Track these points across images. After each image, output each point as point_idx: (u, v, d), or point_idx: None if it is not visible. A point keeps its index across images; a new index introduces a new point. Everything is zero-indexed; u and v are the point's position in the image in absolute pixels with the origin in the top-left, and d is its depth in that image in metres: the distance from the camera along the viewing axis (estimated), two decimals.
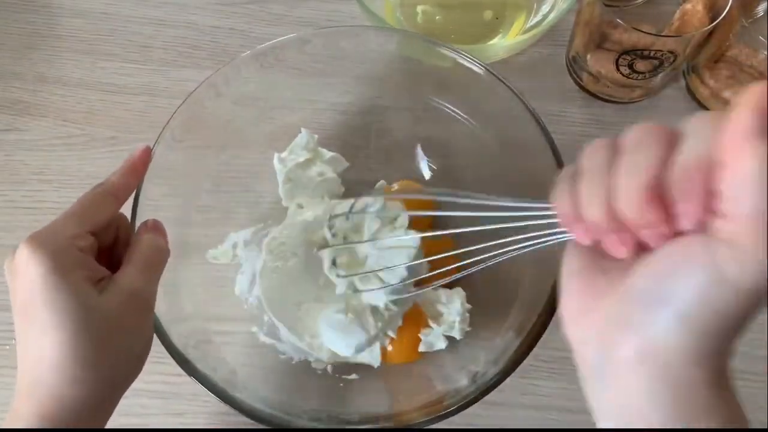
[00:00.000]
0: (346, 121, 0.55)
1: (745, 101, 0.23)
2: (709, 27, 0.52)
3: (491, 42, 0.61)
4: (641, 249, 0.26)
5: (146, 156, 0.40)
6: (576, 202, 0.27)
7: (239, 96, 0.50)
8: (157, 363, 0.49)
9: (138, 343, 0.36)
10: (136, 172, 0.40)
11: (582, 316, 0.28)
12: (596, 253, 0.28)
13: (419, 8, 0.64)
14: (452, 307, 0.48)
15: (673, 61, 0.54)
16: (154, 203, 0.42)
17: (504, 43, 0.59)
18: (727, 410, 0.26)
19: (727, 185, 0.23)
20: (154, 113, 0.60)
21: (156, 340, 0.39)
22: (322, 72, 0.52)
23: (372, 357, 0.47)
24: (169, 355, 0.39)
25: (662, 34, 0.54)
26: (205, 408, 0.49)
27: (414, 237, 0.45)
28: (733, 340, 0.26)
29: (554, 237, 0.29)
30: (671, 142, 0.25)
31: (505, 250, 0.33)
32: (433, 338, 0.48)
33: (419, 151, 0.55)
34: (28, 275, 0.32)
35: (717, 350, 0.25)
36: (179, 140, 0.45)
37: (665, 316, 0.25)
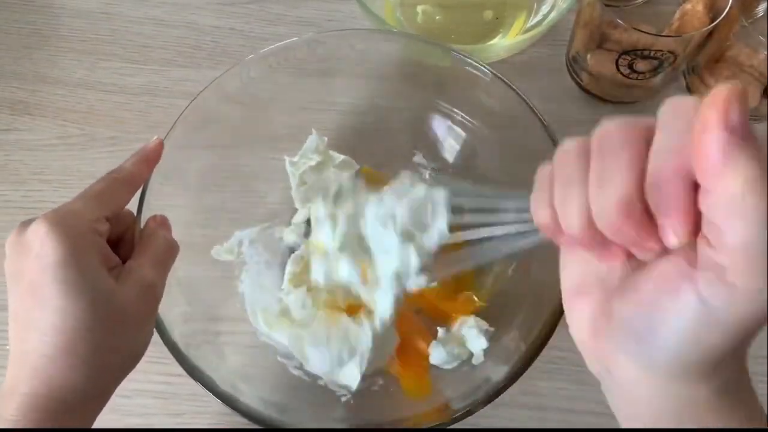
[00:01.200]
0: (350, 123, 0.55)
1: (715, 104, 0.19)
2: (709, 27, 0.52)
3: (491, 42, 0.61)
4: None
5: (159, 148, 0.39)
6: (554, 212, 0.24)
7: (245, 97, 0.50)
8: (158, 363, 0.49)
9: (143, 335, 0.36)
10: (150, 162, 0.39)
11: (587, 332, 0.26)
12: (591, 259, 0.26)
13: (419, 8, 0.64)
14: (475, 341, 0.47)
15: (673, 61, 0.54)
16: (159, 203, 0.42)
17: (504, 43, 0.59)
18: (739, 414, 0.24)
19: (710, 211, 0.20)
20: (154, 113, 0.60)
21: (158, 340, 0.39)
22: (327, 74, 0.52)
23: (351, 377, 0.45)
24: (169, 355, 0.39)
25: (662, 34, 0.54)
26: (206, 408, 0.49)
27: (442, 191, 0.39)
28: (734, 359, 0.24)
29: (535, 238, 0.28)
30: (644, 140, 0.22)
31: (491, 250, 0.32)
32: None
33: (420, 157, 0.55)
34: (45, 254, 0.31)
35: (714, 372, 0.24)
36: (185, 140, 0.45)
37: (656, 352, 0.23)
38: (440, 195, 0.37)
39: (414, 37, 0.57)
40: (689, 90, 0.61)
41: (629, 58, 0.55)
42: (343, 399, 0.46)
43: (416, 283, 0.40)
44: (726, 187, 0.19)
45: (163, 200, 0.43)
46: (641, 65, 0.55)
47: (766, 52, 0.53)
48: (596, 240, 0.23)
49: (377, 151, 0.55)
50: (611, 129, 0.23)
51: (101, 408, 0.35)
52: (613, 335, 0.25)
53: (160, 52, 0.63)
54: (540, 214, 0.25)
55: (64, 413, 0.32)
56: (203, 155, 0.49)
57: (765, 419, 0.25)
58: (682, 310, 0.22)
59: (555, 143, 0.44)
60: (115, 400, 0.48)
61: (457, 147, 0.53)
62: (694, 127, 0.20)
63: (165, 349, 0.39)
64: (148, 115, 0.60)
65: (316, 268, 0.46)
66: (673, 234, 0.21)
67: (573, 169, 0.23)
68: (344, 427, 0.47)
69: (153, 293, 0.35)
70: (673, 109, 0.21)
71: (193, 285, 0.46)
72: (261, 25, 0.65)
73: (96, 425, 0.48)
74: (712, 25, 0.52)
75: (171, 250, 0.38)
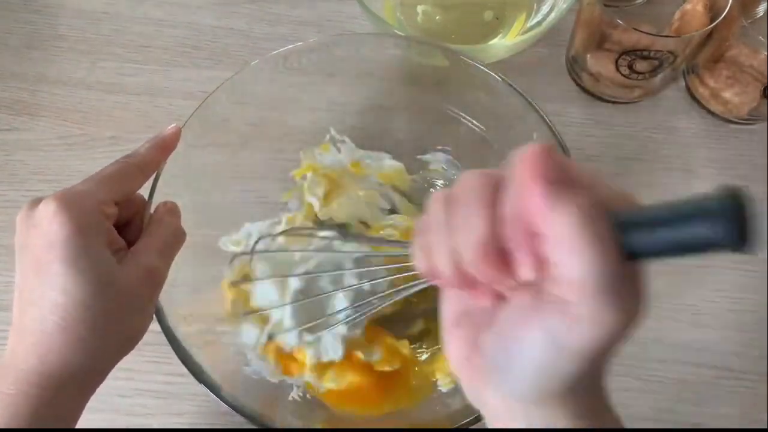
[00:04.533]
0: (356, 124, 0.55)
1: (526, 162, 0.22)
2: (709, 27, 0.52)
3: (491, 42, 0.61)
4: (503, 296, 0.26)
5: (176, 136, 0.39)
6: (429, 257, 0.26)
7: (252, 98, 0.50)
8: (158, 363, 0.50)
9: (141, 320, 0.36)
10: (165, 149, 0.39)
11: (462, 363, 0.28)
12: (467, 299, 0.28)
13: (419, 8, 0.64)
14: None
15: (673, 61, 0.54)
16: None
17: (504, 43, 0.59)
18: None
19: (548, 251, 0.22)
20: (154, 113, 0.60)
21: (159, 341, 0.39)
22: (333, 76, 0.52)
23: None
24: (169, 355, 0.39)
25: (662, 34, 0.54)
26: (206, 408, 0.49)
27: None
28: (588, 387, 0.26)
29: (423, 282, 0.30)
30: (492, 188, 0.24)
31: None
32: None
33: (429, 157, 0.55)
34: (51, 232, 0.31)
35: (568, 398, 0.25)
36: (195, 139, 0.45)
37: (514, 382, 0.25)
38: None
39: (420, 41, 0.56)
40: (689, 90, 0.61)
41: (629, 59, 0.55)
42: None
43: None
44: (554, 230, 0.22)
45: (169, 198, 0.43)
46: (641, 65, 0.55)
47: (765, 52, 0.53)
48: (466, 280, 0.25)
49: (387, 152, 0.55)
50: (470, 178, 0.25)
51: (96, 387, 0.35)
52: (481, 368, 0.26)
53: (160, 52, 0.63)
54: (418, 262, 0.27)
55: (59, 390, 0.32)
56: (210, 155, 0.49)
57: None
58: (533, 341, 0.24)
59: (560, 144, 0.44)
60: (115, 400, 0.49)
61: (465, 150, 0.53)
62: (518, 183, 0.23)
63: (165, 349, 0.39)
64: (148, 115, 0.60)
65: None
66: (524, 268, 0.23)
67: (438, 219, 0.26)
68: (342, 428, 0.47)
69: (155, 278, 0.36)
70: (516, 163, 0.23)
71: (196, 284, 0.46)
72: (261, 25, 0.65)
73: (96, 425, 0.48)
74: (712, 25, 0.52)
75: (178, 238, 0.38)
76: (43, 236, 0.32)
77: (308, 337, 0.44)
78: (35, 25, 0.64)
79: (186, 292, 0.43)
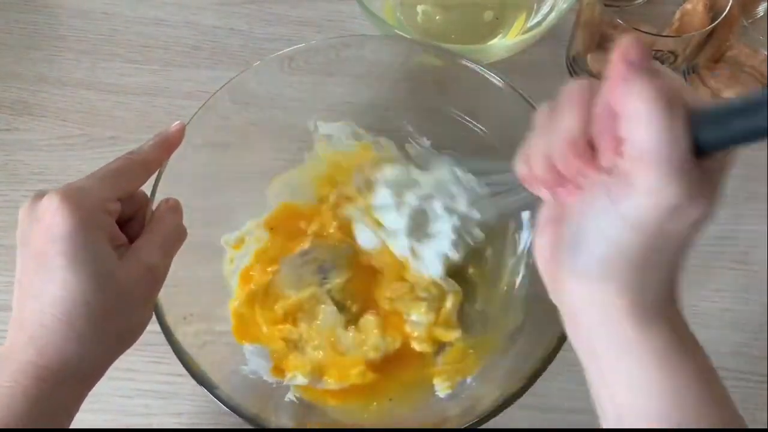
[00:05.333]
0: (360, 125, 0.55)
1: (617, 50, 0.25)
2: (709, 27, 0.52)
3: (491, 42, 0.61)
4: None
5: (180, 133, 0.39)
6: (528, 162, 0.30)
7: (255, 98, 0.50)
8: (158, 363, 0.50)
9: (140, 315, 0.36)
10: (169, 147, 0.39)
11: (546, 262, 0.31)
12: (560, 206, 0.31)
13: (419, 8, 0.64)
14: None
15: (674, 61, 0.54)
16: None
17: (504, 43, 0.59)
18: (652, 344, 0.28)
19: (621, 129, 0.25)
20: (154, 113, 0.60)
21: (159, 341, 0.39)
22: (333, 76, 0.52)
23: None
24: (169, 355, 0.39)
25: (663, 34, 0.54)
26: (206, 408, 0.49)
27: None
28: (655, 272, 0.27)
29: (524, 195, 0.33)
30: (590, 93, 0.27)
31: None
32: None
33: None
34: (54, 226, 0.32)
35: (638, 284, 0.27)
36: (197, 138, 0.45)
37: (584, 257, 0.28)
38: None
39: (421, 42, 0.56)
40: None
41: None
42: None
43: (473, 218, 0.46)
44: (627, 106, 0.24)
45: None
46: None
47: (766, 52, 0.53)
48: (556, 179, 0.28)
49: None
50: (571, 87, 0.28)
51: (95, 381, 0.35)
52: (560, 254, 0.30)
53: (160, 52, 0.63)
54: (519, 169, 0.31)
55: (56, 383, 0.32)
56: (212, 154, 0.49)
57: (689, 343, 0.29)
58: (598, 214, 0.27)
59: None
60: (115, 400, 0.49)
61: (466, 151, 0.53)
62: (609, 71, 0.25)
63: (165, 349, 0.39)
64: (148, 115, 0.60)
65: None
66: (605, 155, 0.26)
67: (540, 124, 0.29)
68: (339, 428, 0.47)
69: (155, 275, 0.36)
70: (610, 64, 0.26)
71: (198, 285, 0.46)
72: (261, 25, 0.65)
73: (97, 425, 0.48)
74: (713, 25, 0.52)
75: (179, 235, 0.38)
76: (45, 230, 0.32)
77: (415, 245, 0.46)
78: (35, 25, 0.64)
79: (186, 292, 0.43)
